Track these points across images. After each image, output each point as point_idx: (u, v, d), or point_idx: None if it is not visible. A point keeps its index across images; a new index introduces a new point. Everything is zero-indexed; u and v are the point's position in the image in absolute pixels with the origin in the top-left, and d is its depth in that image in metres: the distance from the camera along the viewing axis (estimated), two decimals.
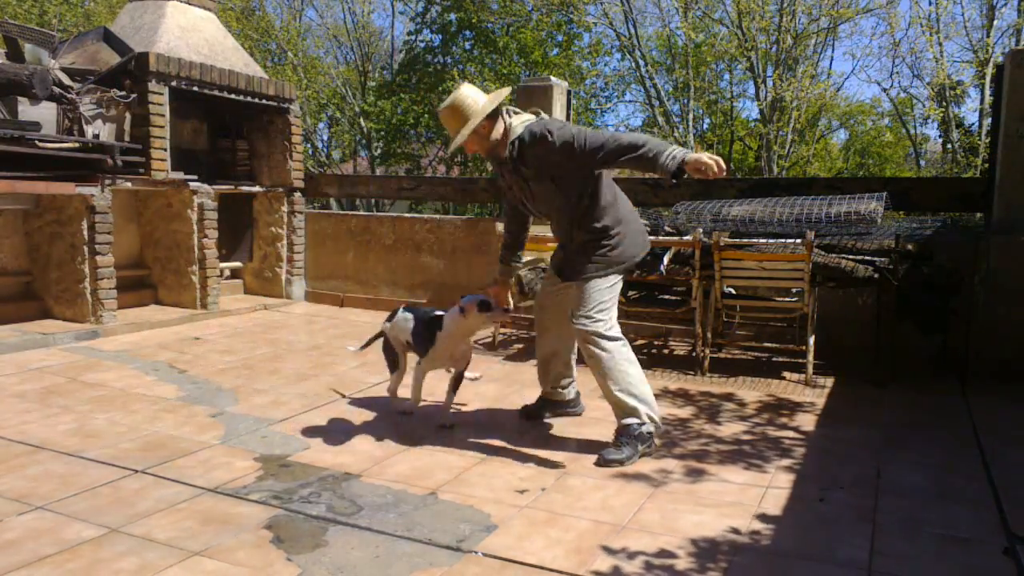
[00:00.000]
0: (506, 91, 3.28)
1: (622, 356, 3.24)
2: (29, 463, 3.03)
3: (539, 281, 5.25)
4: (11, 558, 2.28)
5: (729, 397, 4.21)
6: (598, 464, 3.15)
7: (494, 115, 3.17)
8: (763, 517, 2.66)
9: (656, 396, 4.15)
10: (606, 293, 3.25)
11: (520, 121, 3.22)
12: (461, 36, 16.44)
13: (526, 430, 3.57)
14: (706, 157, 2.93)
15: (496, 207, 9.56)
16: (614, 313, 3.29)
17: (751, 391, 4.32)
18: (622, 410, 3.24)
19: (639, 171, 3.43)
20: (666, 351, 5.37)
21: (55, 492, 2.76)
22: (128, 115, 5.85)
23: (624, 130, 19.44)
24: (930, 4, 14.66)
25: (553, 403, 3.80)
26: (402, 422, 3.66)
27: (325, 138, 21.88)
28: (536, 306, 3.75)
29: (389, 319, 3.83)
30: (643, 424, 3.23)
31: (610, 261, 3.27)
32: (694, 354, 4.87)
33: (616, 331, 3.26)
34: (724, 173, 2.94)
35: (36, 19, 14.17)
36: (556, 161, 3.12)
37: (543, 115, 3.30)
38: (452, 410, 3.71)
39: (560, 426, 3.64)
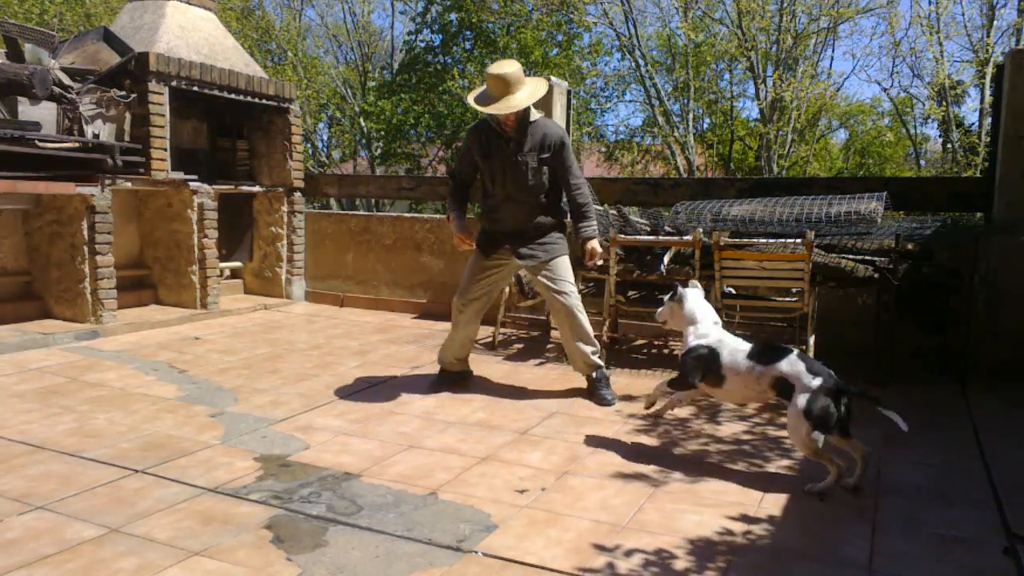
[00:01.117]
0: (545, 82, 3.99)
1: (585, 314, 4.09)
2: (29, 463, 3.03)
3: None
4: (11, 558, 2.28)
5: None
6: (599, 404, 3.96)
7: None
8: (763, 517, 2.66)
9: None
10: (570, 266, 4.06)
11: (535, 111, 3.94)
12: (461, 36, 16.43)
13: (526, 429, 3.57)
14: (600, 250, 4.01)
15: None
16: None
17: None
18: (592, 358, 4.07)
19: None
20: (666, 351, 5.37)
21: (55, 492, 2.76)
22: (128, 115, 5.85)
23: (624, 130, 19.66)
24: (930, 4, 14.68)
25: (459, 375, 4.33)
26: (403, 422, 3.66)
27: (325, 138, 21.89)
28: (475, 285, 4.12)
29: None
30: (602, 367, 4.15)
31: (566, 243, 4.09)
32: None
33: None
34: (599, 261, 4.08)
35: (36, 19, 14.16)
36: (555, 154, 3.89)
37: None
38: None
39: (560, 426, 3.64)
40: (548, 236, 4.01)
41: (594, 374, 4.10)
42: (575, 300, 4.01)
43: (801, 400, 2.83)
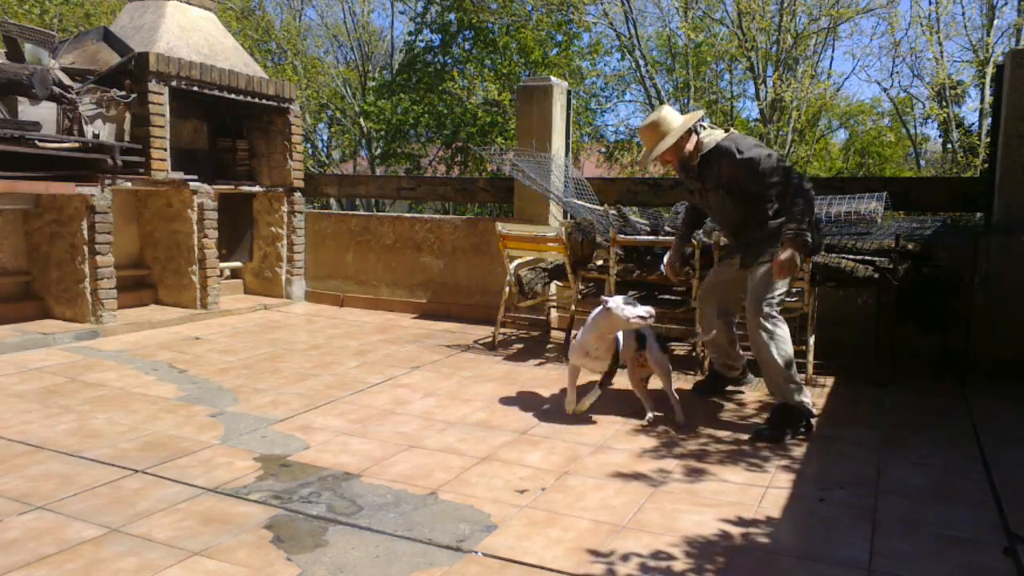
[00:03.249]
0: (701, 112, 3.77)
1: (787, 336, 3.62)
2: (29, 463, 3.03)
3: (539, 281, 5.25)
4: (11, 558, 2.28)
5: (729, 397, 4.20)
6: (753, 440, 3.45)
7: (689, 130, 3.61)
8: (763, 517, 2.66)
9: (656, 396, 4.18)
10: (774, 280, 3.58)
11: (711, 137, 3.63)
12: (461, 36, 16.43)
13: (526, 429, 3.57)
14: (787, 264, 3.43)
15: (496, 207, 9.55)
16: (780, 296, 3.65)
17: (751, 391, 4.31)
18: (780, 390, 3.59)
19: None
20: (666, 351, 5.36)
21: (55, 492, 2.76)
22: (128, 115, 5.85)
23: (624, 130, 19.55)
24: (930, 4, 14.69)
25: (724, 379, 4.21)
26: (403, 422, 3.66)
27: (325, 138, 21.90)
28: (703, 289, 4.12)
29: None
30: (800, 403, 3.54)
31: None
32: (694, 354, 4.87)
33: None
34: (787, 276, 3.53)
35: (36, 19, 14.16)
36: (732, 175, 3.55)
37: (733, 132, 3.69)
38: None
39: (560, 426, 3.64)
40: (761, 244, 3.62)
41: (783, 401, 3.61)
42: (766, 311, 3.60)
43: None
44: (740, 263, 3.77)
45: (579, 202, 5.57)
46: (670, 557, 2.36)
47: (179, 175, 6.14)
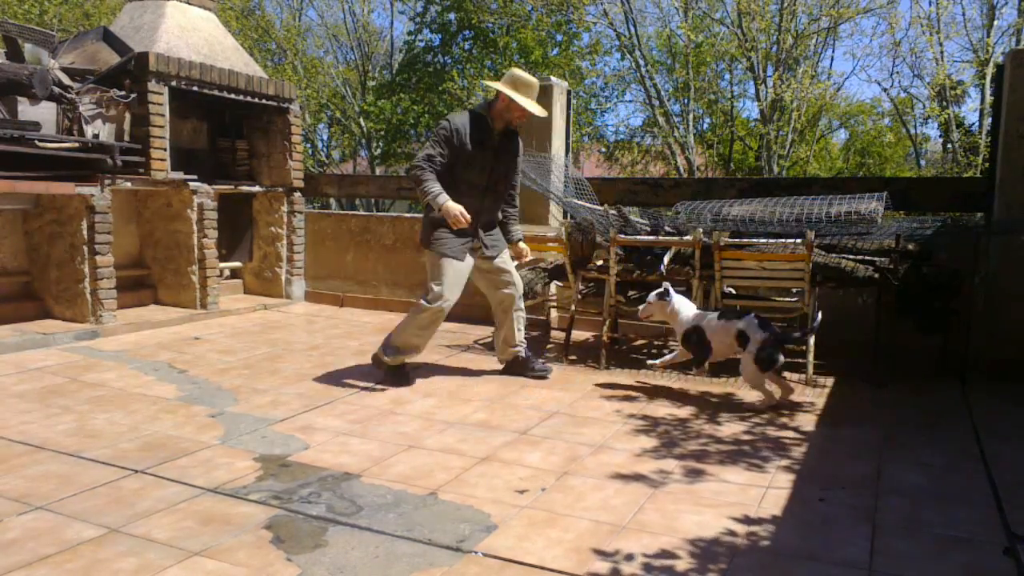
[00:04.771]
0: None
1: None
2: (29, 463, 3.03)
3: (539, 281, 5.26)
4: (11, 558, 2.28)
5: (729, 397, 4.21)
6: (539, 377, 4.48)
7: None
8: (763, 517, 2.66)
9: (656, 396, 4.17)
10: None
11: None
12: (461, 36, 16.44)
13: (526, 429, 3.57)
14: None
15: None
16: None
17: (751, 391, 4.31)
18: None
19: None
20: (666, 351, 5.36)
21: (55, 492, 2.76)
22: (128, 115, 5.85)
23: (624, 130, 19.65)
24: (930, 4, 14.70)
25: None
26: (403, 422, 3.66)
27: (325, 138, 21.91)
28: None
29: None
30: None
31: None
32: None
33: None
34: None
35: (36, 19, 14.16)
36: (517, 156, 4.38)
37: None
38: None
39: (560, 426, 3.64)
40: (498, 229, 4.41)
41: (523, 353, 4.54)
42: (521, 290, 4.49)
43: (752, 347, 3.82)
44: (491, 247, 4.28)
45: (579, 202, 5.57)
46: (671, 557, 2.36)
47: (179, 175, 6.13)
